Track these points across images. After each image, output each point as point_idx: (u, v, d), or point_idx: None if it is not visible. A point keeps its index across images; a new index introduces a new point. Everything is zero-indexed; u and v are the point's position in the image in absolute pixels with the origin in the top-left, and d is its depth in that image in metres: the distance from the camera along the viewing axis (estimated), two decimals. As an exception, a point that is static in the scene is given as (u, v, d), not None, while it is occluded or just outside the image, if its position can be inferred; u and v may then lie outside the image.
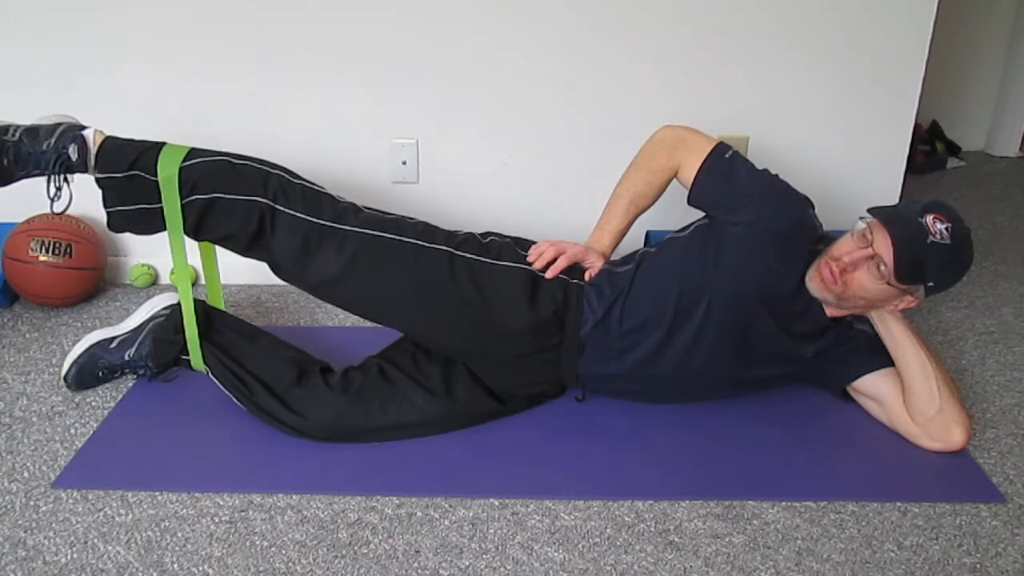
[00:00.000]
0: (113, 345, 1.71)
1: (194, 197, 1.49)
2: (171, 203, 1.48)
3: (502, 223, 2.18)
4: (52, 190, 1.54)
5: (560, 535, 1.38)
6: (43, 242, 1.98)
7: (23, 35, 2.03)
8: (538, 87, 2.09)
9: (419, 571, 1.30)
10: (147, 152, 1.50)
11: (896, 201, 2.20)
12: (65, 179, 1.54)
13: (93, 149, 1.52)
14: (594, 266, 1.62)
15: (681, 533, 1.38)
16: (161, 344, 1.67)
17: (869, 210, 1.50)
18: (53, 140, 1.51)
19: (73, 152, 1.50)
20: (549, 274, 1.59)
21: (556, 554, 1.34)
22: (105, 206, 1.53)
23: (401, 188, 2.20)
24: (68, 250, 2.00)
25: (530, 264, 1.60)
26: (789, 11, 2.01)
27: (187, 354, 1.65)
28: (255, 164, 1.54)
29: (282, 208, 1.50)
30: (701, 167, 1.59)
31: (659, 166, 1.64)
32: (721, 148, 1.61)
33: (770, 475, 1.52)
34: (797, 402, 1.72)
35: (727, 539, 1.38)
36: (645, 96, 2.09)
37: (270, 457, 1.54)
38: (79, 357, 1.70)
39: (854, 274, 1.47)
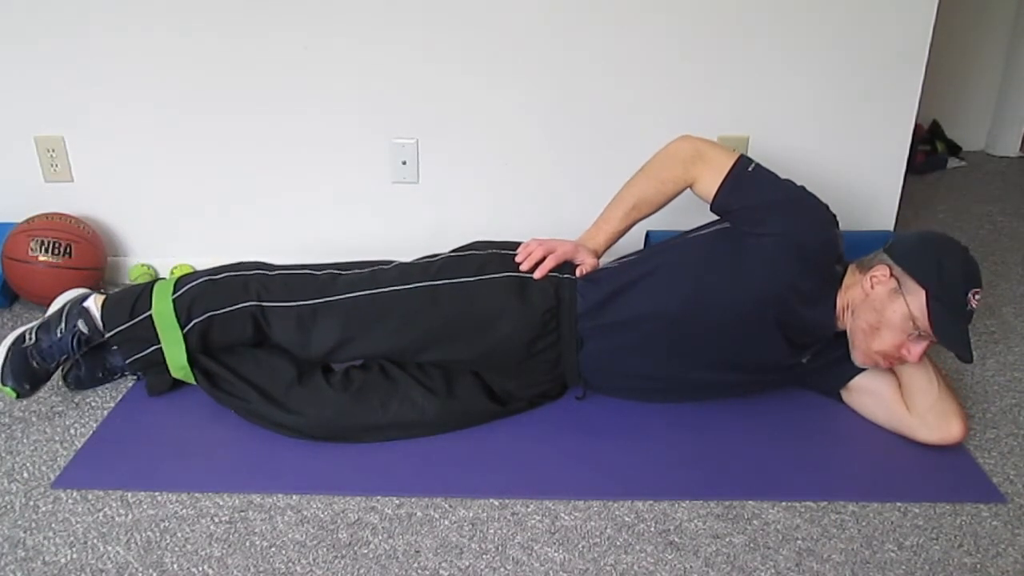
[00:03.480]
0: (115, 347, 1.71)
1: (193, 323, 1.59)
2: (170, 333, 1.59)
3: (502, 223, 2.19)
4: (83, 368, 1.70)
5: (560, 535, 1.38)
6: (43, 242, 1.98)
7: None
8: (539, 87, 2.09)
9: (419, 571, 1.30)
10: (141, 296, 1.62)
11: (896, 202, 2.21)
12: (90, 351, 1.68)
13: (98, 313, 1.63)
14: (585, 263, 1.62)
15: (681, 533, 1.38)
16: (155, 377, 1.68)
17: (912, 272, 1.49)
18: (63, 325, 1.63)
19: (83, 326, 1.63)
20: (537, 275, 1.59)
21: (556, 554, 1.34)
22: (124, 359, 1.64)
23: (401, 188, 2.19)
24: (68, 250, 2.00)
25: (518, 264, 1.60)
26: (789, 11, 2.00)
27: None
28: (233, 273, 1.63)
29: (268, 303, 1.59)
30: (724, 181, 1.56)
31: (671, 177, 1.62)
32: (743, 162, 1.58)
33: (770, 475, 1.52)
34: (797, 402, 1.72)
35: (727, 539, 1.37)
36: (646, 96, 2.09)
37: (270, 457, 1.53)
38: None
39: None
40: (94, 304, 1.64)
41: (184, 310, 1.59)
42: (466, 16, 2.01)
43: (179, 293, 1.60)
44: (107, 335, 1.62)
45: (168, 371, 1.64)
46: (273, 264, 1.67)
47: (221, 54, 2.04)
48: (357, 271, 1.64)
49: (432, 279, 1.58)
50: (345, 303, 1.58)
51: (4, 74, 2.07)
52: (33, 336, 1.62)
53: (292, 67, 2.06)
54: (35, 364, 1.60)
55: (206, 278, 1.62)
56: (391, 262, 1.66)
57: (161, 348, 1.60)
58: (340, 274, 1.63)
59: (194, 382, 1.64)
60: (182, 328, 1.59)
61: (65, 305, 1.66)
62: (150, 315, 1.59)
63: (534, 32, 2.03)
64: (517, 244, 1.65)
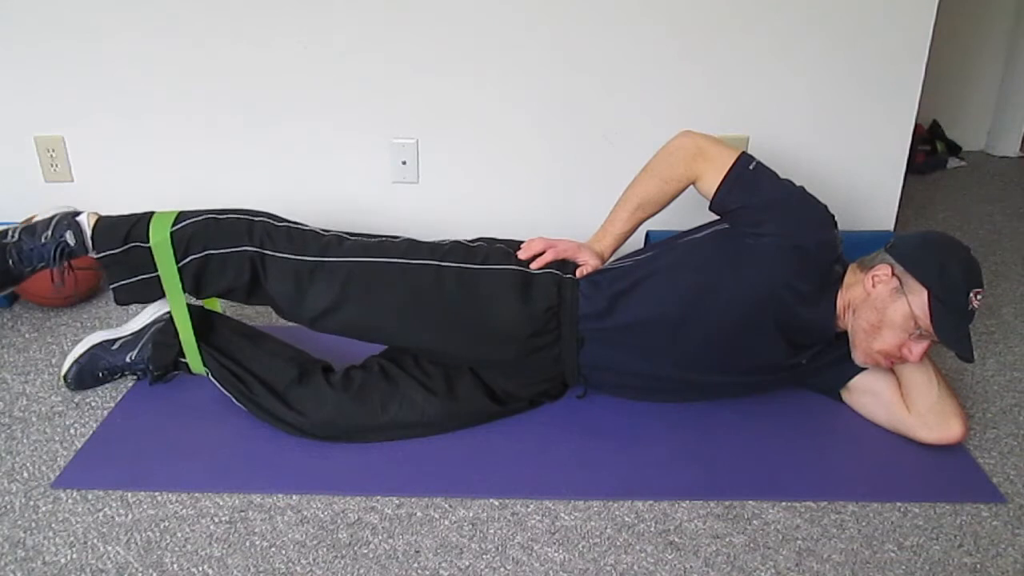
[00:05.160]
0: (115, 347, 1.71)
1: (189, 259, 1.54)
2: (166, 267, 1.54)
3: (502, 223, 2.19)
4: (56, 277, 1.61)
5: (560, 535, 1.38)
6: (43, 242, 1.98)
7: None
8: (538, 86, 2.09)
9: (419, 571, 1.30)
10: (138, 223, 1.56)
11: (896, 202, 2.21)
12: (69, 265, 1.62)
13: (89, 231, 1.58)
14: (586, 264, 1.62)
15: (681, 533, 1.38)
16: (161, 347, 1.68)
17: (914, 272, 1.49)
18: (50, 232, 1.58)
19: (70, 238, 1.57)
20: (534, 265, 1.59)
21: (556, 554, 1.34)
22: (109, 283, 1.59)
23: (401, 188, 2.20)
24: (68, 250, 2.00)
25: (522, 261, 1.60)
26: (789, 11, 2.01)
27: (185, 356, 1.65)
28: (238, 216, 1.58)
29: (270, 252, 1.55)
30: (725, 179, 1.55)
31: (674, 175, 1.61)
32: (744, 159, 1.57)
33: (770, 475, 1.52)
34: (797, 401, 1.72)
35: (727, 539, 1.37)
36: (646, 95, 2.09)
37: (270, 457, 1.53)
38: (80, 357, 1.70)
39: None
40: (87, 221, 1.59)
41: (182, 244, 1.53)
42: (466, 16, 2.01)
43: (179, 226, 1.54)
44: (96, 256, 1.58)
45: (175, 339, 1.62)
46: (280, 216, 1.63)
47: (221, 54, 2.05)
48: (364, 238, 1.61)
49: (439, 260, 1.57)
50: (347, 266, 1.55)
51: (4, 74, 2.08)
52: (16, 235, 1.59)
53: (292, 67, 2.06)
54: (10, 262, 1.57)
55: (210, 216, 1.56)
56: (399, 237, 1.64)
57: (147, 278, 1.56)
58: (347, 238, 1.60)
59: (199, 359, 1.63)
60: (177, 263, 1.54)
61: (56, 215, 1.62)
62: (145, 245, 1.54)
63: (534, 32, 2.03)
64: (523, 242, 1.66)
